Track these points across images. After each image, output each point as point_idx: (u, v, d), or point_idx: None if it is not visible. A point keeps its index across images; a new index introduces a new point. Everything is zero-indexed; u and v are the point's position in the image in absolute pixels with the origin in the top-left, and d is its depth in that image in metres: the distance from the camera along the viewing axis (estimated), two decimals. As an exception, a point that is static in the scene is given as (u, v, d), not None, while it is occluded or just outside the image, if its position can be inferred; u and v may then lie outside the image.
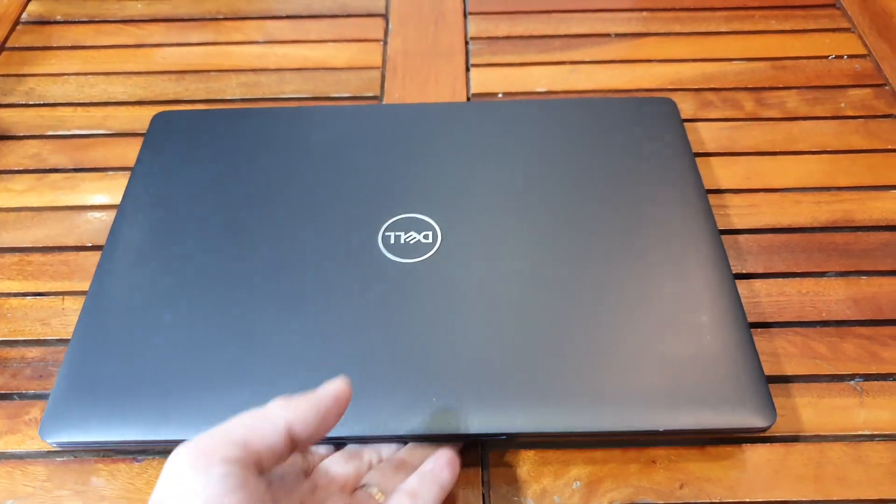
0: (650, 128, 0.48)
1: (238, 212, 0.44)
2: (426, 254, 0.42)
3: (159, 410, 0.36)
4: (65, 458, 0.38)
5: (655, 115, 0.49)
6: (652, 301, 0.40)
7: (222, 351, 0.38)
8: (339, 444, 0.37)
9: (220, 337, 0.38)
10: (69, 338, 0.42)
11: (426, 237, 0.42)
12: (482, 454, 0.38)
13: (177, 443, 0.36)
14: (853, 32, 0.60)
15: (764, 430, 0.36)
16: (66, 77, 0.58)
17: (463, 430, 0.36)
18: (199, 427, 0.35)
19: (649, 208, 0.44)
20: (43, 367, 0.41)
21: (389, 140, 0.48)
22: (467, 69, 0.58)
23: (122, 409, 0.36)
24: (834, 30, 0.60)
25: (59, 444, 0.37)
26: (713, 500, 0.36)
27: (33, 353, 0.42)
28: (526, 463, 0.38)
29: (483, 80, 0.57)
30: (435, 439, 0.36)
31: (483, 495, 0.37)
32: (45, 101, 0.56)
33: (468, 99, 0.56)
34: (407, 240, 0.42)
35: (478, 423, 0.36)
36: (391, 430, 0.36)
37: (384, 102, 0.55)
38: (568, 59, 0.58)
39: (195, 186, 0.45)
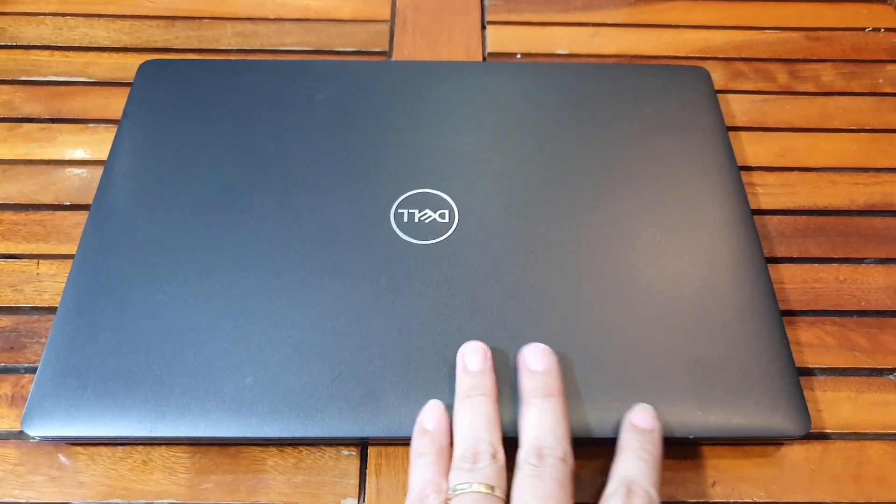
0: (682, 99, 0.45)
1: (236, 179, 0.40)
2: (443, 235, 0.38)
3: (153, 403, 0.33)
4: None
5: (687, 85, 0.46)
6: (681, 291, 0.37)
7: (220, 337, 0.34)
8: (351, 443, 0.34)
9: (217, 321, 0.35)
10: (44, 306, 0.38)
11: (442, 216, 0.39)
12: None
13: (174, 440, 0.33)
14: (890, 4, 0.56)
15: (797, 437, 0.34)
16: (41, 17, 0.52)
17: None
18: (198, 421, 0.32)
19: (680, 187, 0.41)
20: (15, 337, 0.37)
21: (401, 102, 0.44)
22: (483, 26, 0.54)
23: (114, 400, 0.33)
24: (870, 0, 0.57)
25: (44, 439, 0.33)
26: (747, 500, 0.34)
27: (4, 322, 0.38)
28: (548, 457, 0.35)
29: (500, 39, 0.53)
30: None
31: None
32: (18, 43, 0.51)
33: (484, 58, 0.52)
34: (422, 218, 0.38)
35: None
36: (405, 430, 0.33)
37: (393, 59, 0.51)
38: (590, 21, 0.54)
39: (188, 148, 0.41)
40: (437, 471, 0.31)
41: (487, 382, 0.33)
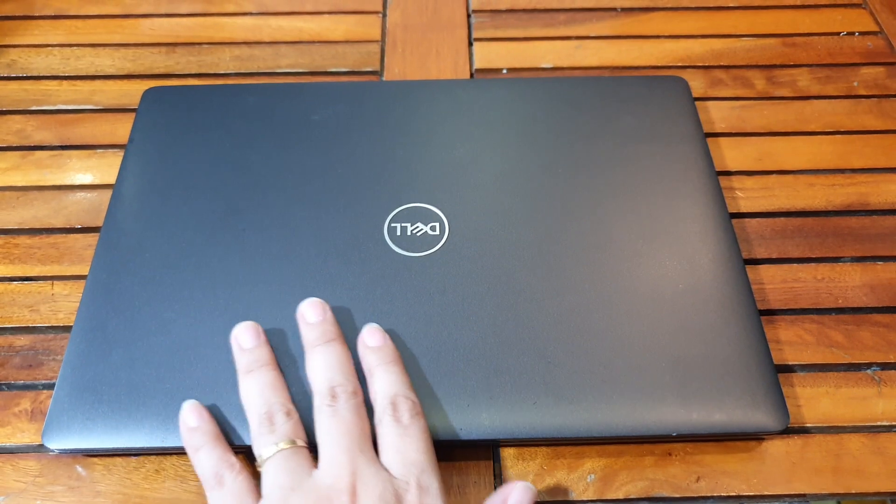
0: (661, 108, 0.47)
1: (237, 199, 0.42)
2: (434, 247, 0.40)
3: (164, 415, 0.35)
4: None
5: (666, 94, 0.47)
6: (662, 295, 0.38)
7: (226, 350, 0.36)
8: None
9: (223, 335, 0.36)
10: (59, 325, 0.40)
11: (433, 229, 0.41)
12: (493, 448, 0.37)
13: (185, 449, 0.35)
14: (864, 8, 0.58)
15: (777, 432, 0.35)
16: (49, 48, 0.55)
17: (474, 436, 0.35)
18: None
19: (660, 194, 0.42)
20: (32, 356, 0.39)
21: (392, 121, 0.46)
22: (470, 43, 0.56)
23: (127, 413, 0.35)
24: (845, 5, 0.58)
25: (63, 451, 0.35)
26: (731, 494, 0.35)
27: (22, 341, 0.40)
28: (538, 456, 0.37)
29: (486, 55, 0.55)
30: (442, 445, 0.35)
31: (495, 490, 0.36)
32: (29, 74, 0.53)
33: (472, 74, 0.54)
34: (414, 231, 0.40)
35: (488, 427, 0.35)
36: None
37: (384, 78, 0.53)
38: (573, 34, 0.56)
39: (192, 170, 0.43)
40: (221, 453, 0.32)
41: (264, 354, 0.35)
